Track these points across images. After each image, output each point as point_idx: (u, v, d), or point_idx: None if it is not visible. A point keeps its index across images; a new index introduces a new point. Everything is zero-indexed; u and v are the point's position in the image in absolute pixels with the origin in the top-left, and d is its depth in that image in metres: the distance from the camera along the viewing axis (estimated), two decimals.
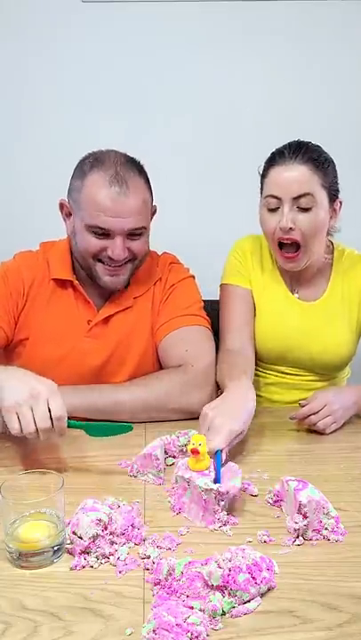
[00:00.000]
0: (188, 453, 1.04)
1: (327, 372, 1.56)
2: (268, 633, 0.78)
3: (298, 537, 0.96)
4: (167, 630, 0.74)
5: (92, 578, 0.88)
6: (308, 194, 1.37)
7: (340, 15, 2.08)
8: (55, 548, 0.92)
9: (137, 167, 1.38)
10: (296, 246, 1.42)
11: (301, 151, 1.40)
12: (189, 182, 2.16)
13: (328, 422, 1.30)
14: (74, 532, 0.92)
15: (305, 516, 0.96)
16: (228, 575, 0.82)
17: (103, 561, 0.91)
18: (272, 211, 1.41)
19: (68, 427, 1.12)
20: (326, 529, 0.97)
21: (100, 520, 0.92)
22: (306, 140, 1.45)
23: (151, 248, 1.59)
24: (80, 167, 1.38)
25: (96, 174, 1.33)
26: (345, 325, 1.53)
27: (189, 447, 1.03)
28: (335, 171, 1.45)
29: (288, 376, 1.56)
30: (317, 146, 1.44)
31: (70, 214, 1.41)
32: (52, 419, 1.09)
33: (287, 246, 1.43)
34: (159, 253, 1.59)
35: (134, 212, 1.33)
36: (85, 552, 0.91)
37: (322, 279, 1.55)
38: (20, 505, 0.93)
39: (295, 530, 0.96)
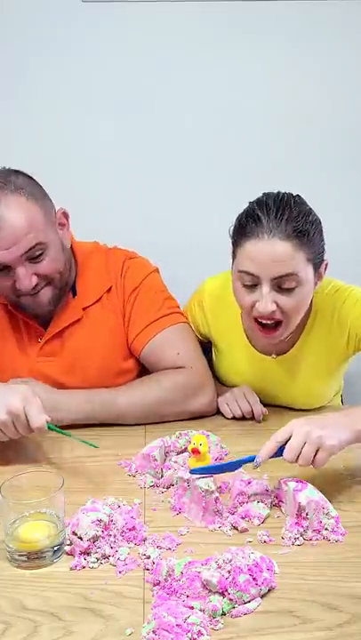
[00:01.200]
0: (189, 453, 1.04)
1: (307, 411, 1.42)
2: (268, 633, 0.78)
3: (298, 537, 0.96)
4: (167, 631, 0.74)
5: (92, 578, 0.88)
6: (291, 274, 1.17)
7: (341, 15, 2.08)
8: (55, 549, 0.92)
9: (14, 184, 1.25)
10: (276, 323, 1.25)
11: (283, 218, 1.17)
12: (189, 182, 2.16)
13: (308, 455, 0.99)
14: (74, 533, 0.92)
15: (305, 519, 0.96)
16: (227, 579, 0.82)
17: (103, 561, 0.92)
18: (248, 287, 1.22)
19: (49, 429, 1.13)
20: (326, 529, 0.97)
21: (100, 520, 0.92)
22: (285, 195, 1.23)
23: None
24: None
25: None
26: (319, 376, 1.40)
27: (190, 447, 1.03)
28: (322, 233, 1.24)
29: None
30: (300, 203, 1.23)
31: None
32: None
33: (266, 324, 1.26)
34: (110, 246, 1.50)
35: (20, 237, 1.22)
36: (85, 552, 0.91)
37: (296, 332, 1.36)
38: (19, 505, 0.93)
39: (289, 538, 0.96)
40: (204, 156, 2.14)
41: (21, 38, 2.06)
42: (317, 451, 0.99)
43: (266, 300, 1.19)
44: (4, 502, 0.92)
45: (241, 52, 2.11)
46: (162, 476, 1.13)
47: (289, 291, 1.19)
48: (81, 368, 1.40)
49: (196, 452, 1.02)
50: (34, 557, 0.91)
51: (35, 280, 1.27)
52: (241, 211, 1.28)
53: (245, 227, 1.21)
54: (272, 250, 1.16)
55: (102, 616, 0.81)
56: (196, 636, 0.75)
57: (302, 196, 1.28)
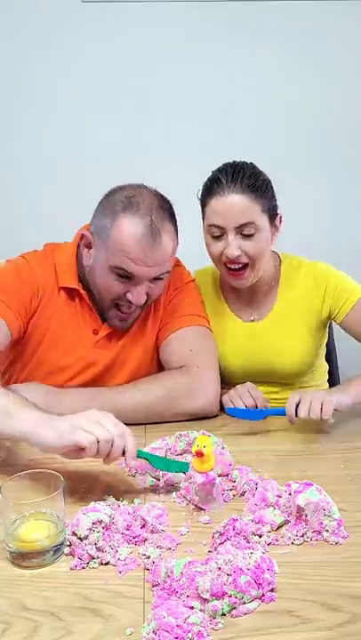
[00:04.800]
0: (193, 455, 1.04)
1: (293, 379, 1.56)
2: (268, 633, 0.78)
3: (298, 537, 0.96)
4: (168, 631, 0.74)
5: (92, 578, 0.88)
6: (250, 223, 1.39)
7: (341, 15, 2.09)
8: (55, 548, 0.92)
9: (169, 211, 1.36)
10: (243, 265, 1.44)
11: (239, 178, 1.39)
12: (190, 182, 2.16)
13: (316, 407, 1.26)
14: (74, 533, 0.92)
15: (304, 520, 0.96)
16: (224, 584, 0.81)
17: (103, 561, 0.91)
18: (216, 237, 1.42)
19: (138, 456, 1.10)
20: (327, 531, 0.96)
21: (100, 521, 0.92)
22: (240, 162, 1.44)
23: None
24: (111, 205, 1.33)
25: (130, 219, 1.29)
26: (300, 335, 1.53)
27: (194, 449, 1.03)
28: (272, 190, 1.45)
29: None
30: (252, 167, 1.44)
31: (90, 246, 1.38)
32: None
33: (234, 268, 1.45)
34: None
35: (164, 261, 1.33)
36: (85, 552, 0.91)
37: (271, 295, 1.55)
38: (19, 505, 0.93)
39: (288, 538, 0.96)
40: (204, 155, 2.14)
41: (21, 38, 2.07)
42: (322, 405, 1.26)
43: (232, 247, 1.40)
44: (4, 502, 0.92)
45: (241, 51, 2.11)
46: (159, 479, 1.13)
47: (250, 237, 1.40)
48: (124, 362, 1.45)
49: (200, 454, 1.01)
50: (34, 557, 0.91)
51: (145, 298, 1.36)
52: None
53: (210, 188, 1.43)
54: (232, 203, 1.39)
55: (102, 616, 0.81)
56: (196, 637, 0.75)
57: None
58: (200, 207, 1.46)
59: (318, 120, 2.15)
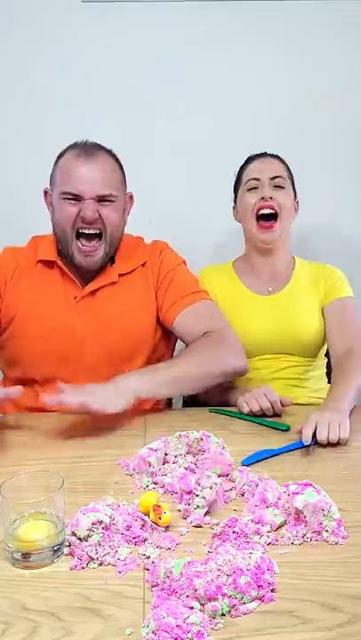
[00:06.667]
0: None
1: (314, 349, 1.71)
2: (268, 633, 0.78)
3: (297, 537, 0.96)
4: (167, 632, 0.74)
5: (92, 578, 0.88)
6: (280, 176, 1.68)
7: (341, 15, 2.09)
8: (55, 548, 0.92)
9: (106, 149, 1.52)
10: (273, 217, 1.65)
11: (271, 154, 1.73)
12: (190, 182, 2.16)
13: (335, 429, 1.25)
14: (73, 533, 0.92)
15: (304, 521, 0.96)
16: (218, 587, 0.81)
17: (103, 562, 0.91)
18: (252, 190, 1.68)
19: None
20: (327, 531, 0.96)
21: (100, 521, 0.92)
22: None
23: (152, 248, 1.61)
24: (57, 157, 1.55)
25: (67, 154, 1.51)
26: (313, 307, 1.70)
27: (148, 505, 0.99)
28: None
29: (273, 361, 1.68)
30: None
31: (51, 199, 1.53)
32: None
33: (265, 217, 1.65)
34: (148, 242, 1.66)
35: (101, 178, 1.46)
36: (85, 552, 0.91)
37: (288, 273, 1.76)
38: (19, 505, 0.93)
39: (288, 538, 0.96)
40: (204, 155, 2.14)
41: (21, 38, 2.07)
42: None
43: (267, 190, 1.66)
44: (3, 502, 0.92)
45: (241, 51, 2.11)
46: (157, 479, 1.13)
47: (281, 188, 1.68)
48: (108, 329, 1.52)
49: (157, 508, 0.98)
50: (33, 557, 0.90)
51: (96, 215, 1.46)
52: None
53: (248, 158, 1.74)
54: (267, 160, 1.72)
55: (102, 616, 0.81)
56: (195, 637, 0.75)
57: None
58: (235, 184, 1.73)
59: (319, 120, 2.15)
